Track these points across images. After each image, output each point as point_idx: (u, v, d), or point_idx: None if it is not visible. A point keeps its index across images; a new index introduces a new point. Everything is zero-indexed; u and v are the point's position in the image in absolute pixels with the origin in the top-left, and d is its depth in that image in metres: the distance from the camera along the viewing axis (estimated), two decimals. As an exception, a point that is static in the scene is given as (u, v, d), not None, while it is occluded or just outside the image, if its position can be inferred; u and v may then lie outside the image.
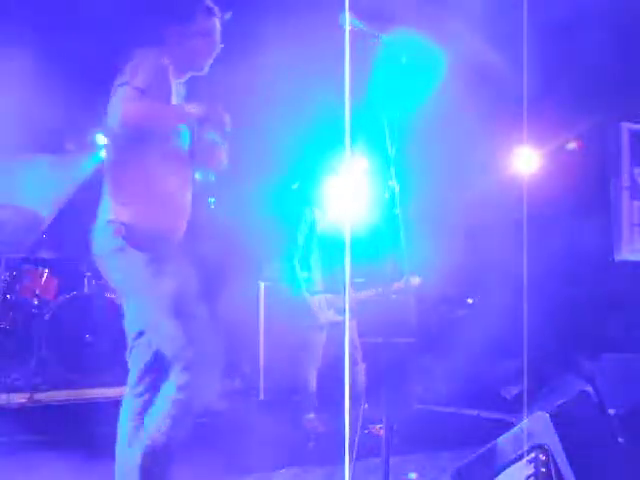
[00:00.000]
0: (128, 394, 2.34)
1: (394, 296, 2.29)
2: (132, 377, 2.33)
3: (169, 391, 2.17)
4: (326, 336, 4.32)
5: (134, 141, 2.20)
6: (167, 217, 2.28)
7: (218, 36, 2.45)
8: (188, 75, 2.48)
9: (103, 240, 2.26)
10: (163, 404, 2.18)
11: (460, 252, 5.71)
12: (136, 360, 2.32)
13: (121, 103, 2.18)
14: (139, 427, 2.22)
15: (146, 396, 2.28)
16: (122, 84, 2.23)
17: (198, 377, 2.16)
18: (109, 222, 2.23)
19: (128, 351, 2.35)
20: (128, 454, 2.22)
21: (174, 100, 2.34)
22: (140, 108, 2.15)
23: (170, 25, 2.43)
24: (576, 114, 5.64)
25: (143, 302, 2.23)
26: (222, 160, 2.42)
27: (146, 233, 2.19)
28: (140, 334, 2.30)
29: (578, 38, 4.88)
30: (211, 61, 2.46)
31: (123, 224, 2.19)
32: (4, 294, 4.97)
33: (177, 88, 2.40)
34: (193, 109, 2.26)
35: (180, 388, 2.15)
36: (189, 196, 2.40)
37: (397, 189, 2.05)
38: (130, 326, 2.34)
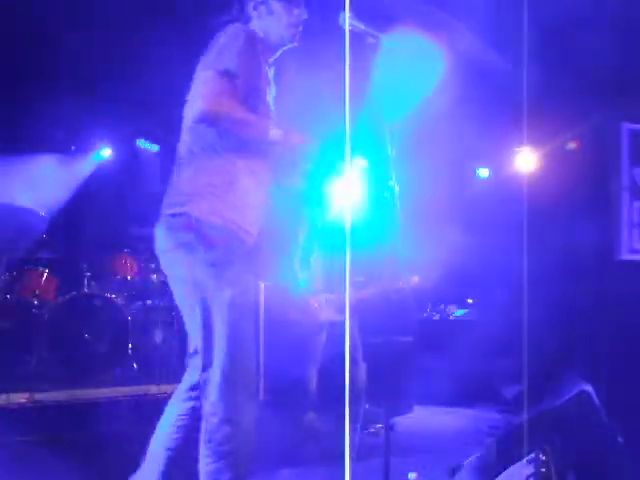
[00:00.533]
0: (175, 396, 2.20)
1: (394, 295, 2.28)
2: (183, 385, 2.18)
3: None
4: (326, 336, 4.32)
5: (215, 131, 2.02)
6: (241, 216, 2.06)
7: None
8: (279, 52, 2.25)
9: (170, 234, 2.06)
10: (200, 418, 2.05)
11: (459, 251, 5.71)
12: (187, 376, 2.16)
13: (203, 91, 1.96)
14: (177, 431, 2.11)
15: (191, 403, 2.14)
16: (205, 67, 2.02)
17: (234, 396, 2.04)
18: (180, 215, 2.03)
19: (187, 356, 2.18)
20: (161, 454, 2.11)
21: (264, 84, 2.12)
22: (224, 106, 1.94)
23: None
24: (575, 114, 5.64)
25: (201, 305, 2.04)
26: (297, 181, 2.29)
27: (218, 230, 2.01)
28: (196, 352, 2.11)
29: (577, 37, 4.89)
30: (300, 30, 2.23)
31: (195, 218, 2.00)
32: (4, 294, 4.98)
33: (266, 70, 2.17)
34: (279, 134, 2.04)
35: (214, 406, 2.01)
36: (266, 200, 2.19)
37: (397, 189, 2.05)
38: (191, 333, 2.16)
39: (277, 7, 2.17)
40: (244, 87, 2.02)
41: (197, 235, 1.99)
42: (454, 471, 2.45)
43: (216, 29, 2.11)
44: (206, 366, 2.02)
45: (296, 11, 2.20)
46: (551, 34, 4.75)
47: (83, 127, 6.44)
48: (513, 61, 4.50)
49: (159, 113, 6.33)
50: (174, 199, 2.10)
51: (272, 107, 2.16)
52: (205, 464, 1.99)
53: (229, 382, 2.01)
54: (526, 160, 6.12)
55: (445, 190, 6.20)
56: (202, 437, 2.01)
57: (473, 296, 6.79)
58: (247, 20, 2.21)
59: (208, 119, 1.96)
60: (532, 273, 4.31)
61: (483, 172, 7.02)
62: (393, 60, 2.14)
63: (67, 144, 6.57)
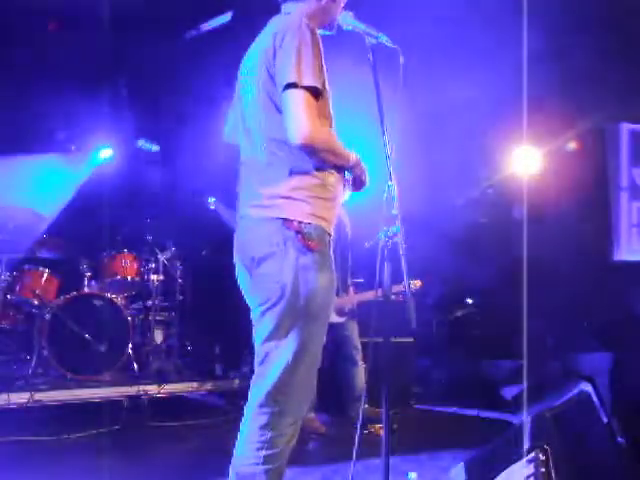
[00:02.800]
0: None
1: (394, 297, 2.28)
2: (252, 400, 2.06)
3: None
4: (326, 337, 4.33)
5: None
6: (329, 221, 2.05)
7: None
8: None
9: (267, 237, 1.98)
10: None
11: (459, 252, 5.72)
12: (255, 389, 2.05)
13: (302, 116, 1.89)
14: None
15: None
16: (288, 85, 1.90)
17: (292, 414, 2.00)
18: (284, 220, 1.96)
19: (256, 364, 2.08)
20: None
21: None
22: (324, 138, 1.96)
23: None
24: (575, 114, 5.65)
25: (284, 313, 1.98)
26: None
27: (315, 233, 1.98)
28: (262, 362, 2.04)
29: (578, 38, 4.89)
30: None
31: (297, 221, 1.96)
32: (5, 294, 4.98)
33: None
34: (355, 159, 2.07)
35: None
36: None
37: (396, 189, 2.05)
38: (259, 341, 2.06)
39: None
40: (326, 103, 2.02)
41: (297, 238, 1.95)
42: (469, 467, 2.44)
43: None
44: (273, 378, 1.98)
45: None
46: (550, 34, 4.75)
47: (83, 127, 6.44)
48: (513, 61, 4.50)
49: (160, 113, 6.34)
50: (268, 202, 2.01)
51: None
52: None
53: (294, 394, 1.99)
54: (525, 160, 6.12)
55: (444, 190, 6.20)
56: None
57: (472, 296, 6.79)
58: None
59: (309, 150, 1.94)
60: (531, 273, 4.32)
61: (483, 172, 7.02)
62: (391, 59, 2.13)
63: (67, 144, 6.57)
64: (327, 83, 2.02)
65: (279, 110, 1.96)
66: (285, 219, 1.97)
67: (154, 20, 5.15)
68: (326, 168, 2.03)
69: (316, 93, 1.92)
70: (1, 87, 5.40)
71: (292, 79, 1.89)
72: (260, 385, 2.01)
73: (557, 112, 5.36)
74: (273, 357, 1.99)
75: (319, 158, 1.99)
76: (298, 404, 2.02)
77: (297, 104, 1.90)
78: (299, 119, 1.89)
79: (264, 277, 2.00)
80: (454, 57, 4.88)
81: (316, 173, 2.01)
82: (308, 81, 1.90)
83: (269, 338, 2.00)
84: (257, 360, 2.05)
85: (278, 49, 1.95)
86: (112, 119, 6.22)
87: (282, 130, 1.94)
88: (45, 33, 5.27)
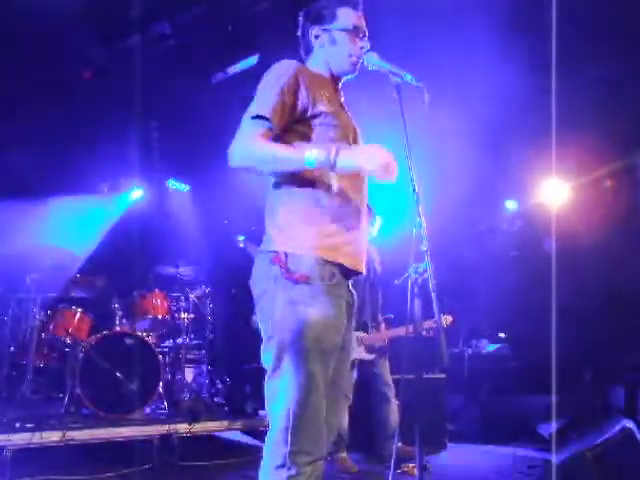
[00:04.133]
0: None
1: (425, 333, 2.26)
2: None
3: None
4: (357, 374, 4.28)
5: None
6: (332, 248, 1.99)
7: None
8: (340, 82, 2.26)
9: (261, 270, 2.01)
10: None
11: (491, 286, 5.65)
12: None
13: (233, 141, 1.97)
14: None
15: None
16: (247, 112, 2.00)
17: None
18: (273, 253, 1.98)
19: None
20: None
21: (330, 111, 2.08)
22: (246, 147, 1.96)
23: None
24: (607, 147, 5.58)
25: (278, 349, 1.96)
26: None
27: (305, 265, 1.95)
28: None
29: (609, 70, 4.86)
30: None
31: (284, 252, 1.96)
32: (39, 333, 5.06)
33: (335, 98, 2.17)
34: (315, 154, 1.96)
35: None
36: (364, 226, 2.11)
37: (424, 226, 2.04)
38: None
39: (340, 37, 2.18)
40: (289, 123, 2.02)
41: (281, 272, 1.93)
42: None
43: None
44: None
45: (359, 42, 2.20)
46: (582, 66, 4.74)
47: (115, 168, 6.60)
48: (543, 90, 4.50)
49: (189, 154, 6.48)
50: (266, 234, 2.05)
51: (351, 133, 2.13)
52: None
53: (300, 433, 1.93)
54: (555, 192, 6.07)
55: (473, 224, 6.17)
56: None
57: (505, 330, 6.68)
58: (309, 50, 2.23)
59: (242, 167, 1.96)
60: (565, 307, 4.24)
61: (511, 204, 6.97)
62: (416, 97, 2.15)
63: (100, 185, 6.74)
64: (324, 106, 2.05)
65: None
66: (274, 252, 1.98)
67: (183, 65, 5.30)
68: (318, 187, 2.00)
69: (266, 122, 1.96)
70: (37, 132, 5.59)
71: (246, 114, 2.01)
72: (272, 424, 1.98)
73: (589, 144, 5.32)
74: (278, 394, 1.96)
75: (261, 171, 1.99)
76: (314, 441, 1.95)
77: (237, 132, 1.99)
78: (231, 146, 1.97)
79: (260, 314, 2.02)
80: (482, 85, 4.89)
81: (306, 195, 2.00)
82: (255, 112, 1.98)
83: (271, 375, 1.99)
84: (266, 398, 2.02)
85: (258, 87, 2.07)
86: (143, 161, 6.38)
87: None
88: (78, 81, 5.46)
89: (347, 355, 2.14)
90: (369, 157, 1.92)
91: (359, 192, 2.10)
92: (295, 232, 1.98)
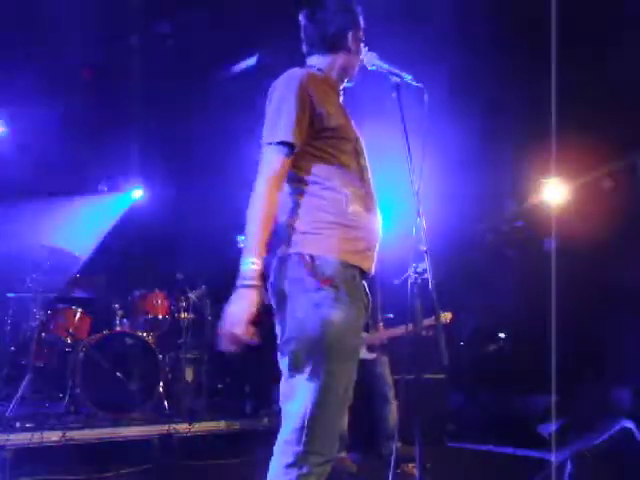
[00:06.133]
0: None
1: (424, 332, 2.26)
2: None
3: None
4: (357, 374, 4.28)
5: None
6: (353, 252, 2.00)
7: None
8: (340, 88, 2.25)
9: (281, 273, 2.02)
10: None
11: (491, 286, 5.65)
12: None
13: (259, 174, 1.96)
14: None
15: None
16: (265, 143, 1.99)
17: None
18: (292, 255, 1.99)
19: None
20: None
21: (339, 118, 2.08)
22: (258, 206, 1.93)
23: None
24: (609, 150, 5.57)
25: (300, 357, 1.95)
26: None
27: (329, 268, 1.96)
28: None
29: (608, 73, 4.86)
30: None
31: (308, 255, 1.98)
32: (39, 332, 5.06)
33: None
34: None
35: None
36: (377, 229, 2.11)
37: (424, 224, 2.05)
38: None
39: (358, 40, 2.21)
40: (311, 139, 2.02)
41: (308, 274, 1.94)
42: None
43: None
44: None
45: (364, 50, 2.23)
46: (582, 67, 4.75)
47: (115, 168, 6.60)
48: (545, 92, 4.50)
49: (191, 154, 6.48)
50: (285, 236, 2.03)
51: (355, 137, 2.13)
52: None
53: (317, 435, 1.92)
54: (555, 192, 6.06)
55: (473, 223, 6.17)
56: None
57: (505, 330, 6.68)
58: (347, 50, 2.19)
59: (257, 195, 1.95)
60: (565, 308, 4.24)
61: (513, 205, 6.97)
62: (415, 97, 2.16)
63: (100, 185, 6.74)
64: (334, 120, 2.04)
65: None
66: (297, 254, 1.97)
67: (183, 65, 5.30)
68: (342, 191, 2.01)
69: (291, 148, 1.96)
70: (37, 131, 5.59)
71: (267, 138, 1.98)
72: (286, 423, 1.97)
73: (589, 145, 5.31)
74: (296, 394, 1.96)
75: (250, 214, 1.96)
76: (328, 443, 1.97)
77: (262, 162, 1.97)
78: (257, 177, 1.95)
79: (279, 315, 2.02)
80: (483, 88, 4.90)
81: (329, 198, 2.00)
82: (278, 137, 1.96)
83: (289, 375, 1.98)
84: (281, 397, 2.02)
85: (267, 105, 2.04)
86: (144, 161, 6.38)
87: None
88: (79, 82, 5.46)
89: (358, 357, 2.15)
90: (235, 315, 1.89)
91: (373, 196, 2.12)
92: (319, 235, 1.99)
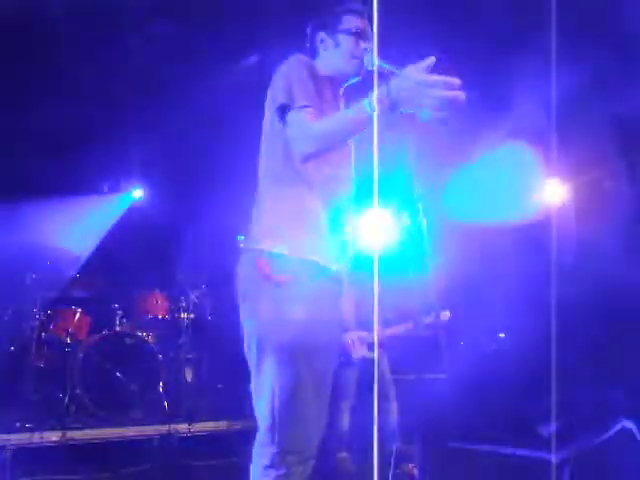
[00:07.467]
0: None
1: (424, 331, 2.26)
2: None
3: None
4: (357, 373, 4.28)
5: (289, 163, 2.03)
6: (316, 249, 2.00)
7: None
8: (344, 86, 2.24)
9: (245, 269, 2.05)
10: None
11: (491, 285, 5.65)
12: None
13: (299, 135, 1.94)
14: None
15: None
16: (282, 107, 1.97)
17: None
18: (255, 250, 2.02)
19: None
20: None
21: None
22: (318, 137, 1.92)
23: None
24: (610, 150, 5.57)
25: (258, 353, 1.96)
26: None
27: (289, 265, 1.96)
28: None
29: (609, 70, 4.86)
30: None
31: (268, 252, 2.00)
32: (39, 332, 5.06)
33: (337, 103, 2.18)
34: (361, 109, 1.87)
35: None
36: (347, 229, 2.13)
37: (425, 224, 2.05)
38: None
39: (344, 39, 2.18)
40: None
41: (267, 270, 1.94)
42: None
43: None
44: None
45: (362, 44, 2.18)
46: (584, 70, 4.74)
47: (115, 168, 6.60)
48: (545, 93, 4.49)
49: (191, 154, 6.48)
50: (252, 234, 2.07)
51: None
52: None
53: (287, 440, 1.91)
54: (555, 192, 6.06)
55: (474, 222, 6.16)
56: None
57: (505, 330, 6.68)
58: (314, 54, 2.23)
59: (304, 155, 1.94)
60: (565, 307, 4.24)
61: (513, 204, 6.96)
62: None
63: (100, 185, 6.73)
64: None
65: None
66: (259, 250, 1.99)
67: (183, 65, 5.30)
68: (302, 185, 2.00)
69: (310, 108, 1.95)
70: (36, 131, 5.59)
71: (286, 108, 1.96)
72: (260, 424, 1.96)
73: (589, 144, 5.31)
74: (262, 393, 1.95)
75: (331, 148, 1.96)
76: (303, 441, 1.94)
77: (289, 129, 1.96)
78: (295, 142, 1.94)
79: (243, 313, 2.03)
80: (483, 86, 4.89)
81: (289, 193, 2.01)
82: (300, 102, 1.95)
83: (256, 374, 1.98)
84: (253, 397, 2.01)
85: (273, 84, 2.05)
86: (143, 160, 6.38)
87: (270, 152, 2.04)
88: (78, 80, 5.45)
89: (335, 355, 2.13)
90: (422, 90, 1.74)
91: (342, 189, 2.11)
92: (279, 231, 1.99)
